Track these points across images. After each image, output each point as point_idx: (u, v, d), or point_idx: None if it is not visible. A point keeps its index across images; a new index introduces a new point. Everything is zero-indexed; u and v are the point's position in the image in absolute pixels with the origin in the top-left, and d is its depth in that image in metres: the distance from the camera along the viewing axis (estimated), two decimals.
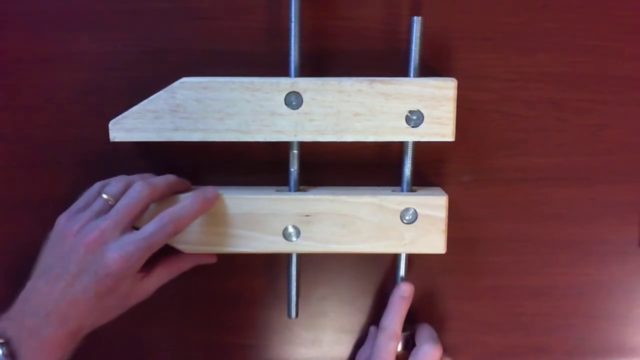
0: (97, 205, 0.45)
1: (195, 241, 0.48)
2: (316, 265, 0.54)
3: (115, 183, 0.46)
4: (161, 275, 0.48)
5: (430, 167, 0.52)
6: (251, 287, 0.54)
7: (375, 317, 0.55)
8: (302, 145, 0.49)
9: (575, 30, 0.50)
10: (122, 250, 0.42)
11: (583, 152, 0.52)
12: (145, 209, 0.45)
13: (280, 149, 0.50)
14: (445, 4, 0.50)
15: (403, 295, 0.50)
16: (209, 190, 0.47)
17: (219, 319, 0.54)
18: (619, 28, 0.51)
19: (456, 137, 0.51)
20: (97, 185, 0.47)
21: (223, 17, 0.50)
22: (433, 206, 0.48)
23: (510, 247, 0.54)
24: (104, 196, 0.45)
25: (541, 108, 0.52)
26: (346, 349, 0.55)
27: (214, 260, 0.51)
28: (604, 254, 0.54)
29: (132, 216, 0.44)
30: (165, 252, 0.48)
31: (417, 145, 0.51)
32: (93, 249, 0.42)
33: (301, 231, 0.48)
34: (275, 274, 0.54)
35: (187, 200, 0.45)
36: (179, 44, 0.50)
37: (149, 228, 0.43)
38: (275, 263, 0.53)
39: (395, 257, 0.52)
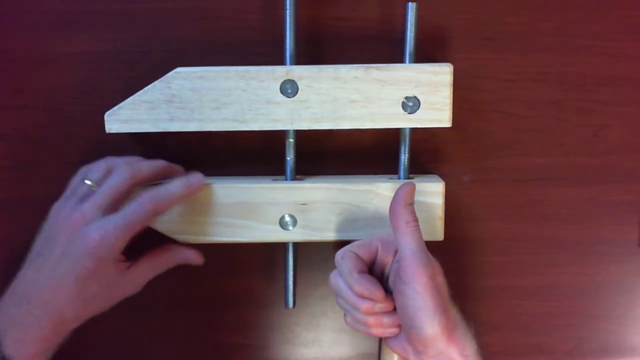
0: (81, 191, 0.45)
1: (192, 231, 0.48)
2: (316, 264, 0.54)
3: (97, 168, 0.46)
4: (145, 268, 0.47)
5: (429, 167, 0.52)
6: (251, 287, 0.54)
7: None
8: (298, 135, 0.49)
9: (575, 30, 0.50)
10: (101, 229, 0.42)
11: (583, 152, 0.52)
12: (127, 191, 0.45)
13: (277, 138, 0.50)
14: (445, 3, 0.50)
15: None
16: (194, 176, 0.47)
17: (219, 319, 0.54)
18: (619, 28, 0.51)
19: (456, 137, 0.51)
20: (81, 171, 0.47)
21: (222, 17, 0.50)
22: (430, 193, 0.48)
23: (510, 247, 0.54)
24: (87, 182, 0.45)
25: (541, 108, 0.52)
26: (346, 349, 0.55)
27: (200, 262, 0.50)
28: (604, 254, 0.54)
29: (113, 198, 0.44)
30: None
31: (417, 146, 0.51)
32: (74, 230, 0.42)
33: (298, 220, 0.48)
34: (274, 273, 0.54)
35: (171, 183, 0.45)
36: (177, 43, 0.50)
37: (128, 208, 0.43)
38: (274, 263, 0.53)
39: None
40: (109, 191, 0.44)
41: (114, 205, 0.44)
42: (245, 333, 0.55)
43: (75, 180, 0.47)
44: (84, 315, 0.44)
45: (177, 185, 0.45)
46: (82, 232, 0.42)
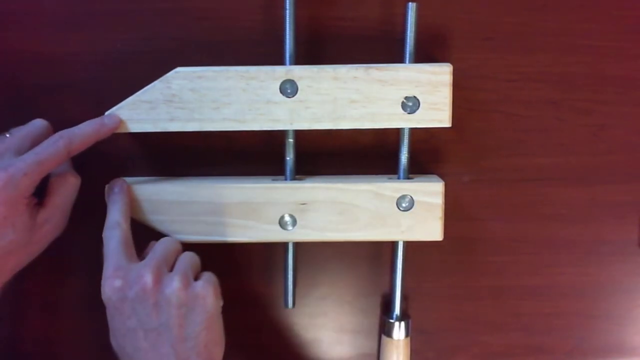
0: None
1: (192, 231, 0.48)
2: (316, 265, 0.54)
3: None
4: (54, 204, 0.45)
5: (429, 167, 0.52)
6: (251, 287, 0.54)
7: (375, 316, 0.55)
8: (298, 135, 0.49)
9: (575, 30, 0.51)
10: (10, 166, 0.41)
11: (583, 152, 0.52)
12: (41, 136, 0.44)
13: (277, 138, 0.50)
14: (445, 3, 0.50)
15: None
16: (110, 116, 0.46)
17: None
18: (619, 28, 0.51)
19: (456, 137, 0.51)
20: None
21: (222, 17, 0.50)
22: (429, 193, 0.48)
23: (510, 247, 0.54)
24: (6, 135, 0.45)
25: (541, 108, 0.52)
26: (346, 349, 0.55)
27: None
28: (604, 254, 0.54)
29: (25, 141, 0.44)
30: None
31: (416, 146, 0.51)
32: None
33: (297, 220, 0.48)
34: (274, 273, 0.54)
35: (85, 122, 0.45)
36: (177, 43, 0.50)
37: (39, 146, 0.43)
38: (274, 263, 0.53)
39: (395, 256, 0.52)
40: (19, 134, 0.44)
41: (27, 149, 0.43)
42: (245, 333, 0.55)
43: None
44: (5, 269, 0.43)
45: (90, 124, 0.45)
46: None
